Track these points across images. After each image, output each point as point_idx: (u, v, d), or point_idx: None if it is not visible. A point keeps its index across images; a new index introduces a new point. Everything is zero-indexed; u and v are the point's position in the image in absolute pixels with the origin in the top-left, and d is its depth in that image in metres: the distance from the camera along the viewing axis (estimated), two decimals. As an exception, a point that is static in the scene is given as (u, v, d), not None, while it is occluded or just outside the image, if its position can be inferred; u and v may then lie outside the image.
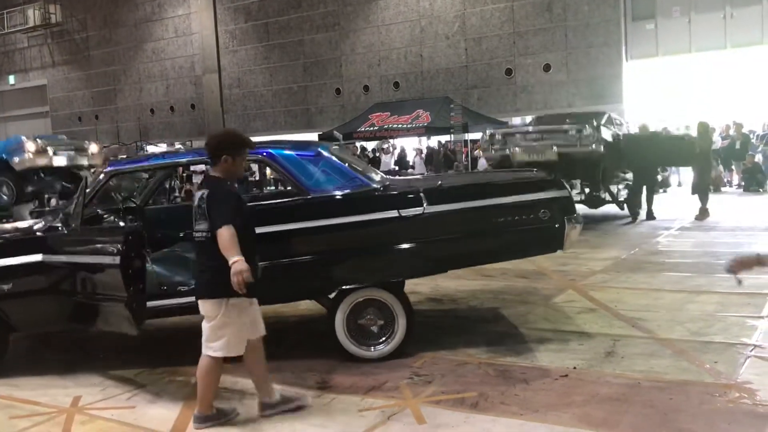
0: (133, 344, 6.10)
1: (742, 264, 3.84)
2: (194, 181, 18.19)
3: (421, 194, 5.00)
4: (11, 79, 28.78)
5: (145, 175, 8.17)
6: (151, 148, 21.30)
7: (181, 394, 4.74)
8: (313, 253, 4.98)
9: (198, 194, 4.03)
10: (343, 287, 5.06)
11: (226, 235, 3.78)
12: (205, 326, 4.05)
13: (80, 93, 27.68)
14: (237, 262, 3.74)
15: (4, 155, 10.66)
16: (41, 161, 10.70)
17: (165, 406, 4.49)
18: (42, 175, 11.08)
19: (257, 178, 18.34)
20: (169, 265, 5.65)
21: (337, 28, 22.17)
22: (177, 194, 16.96)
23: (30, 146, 10.62)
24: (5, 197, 11.03)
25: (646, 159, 12.31)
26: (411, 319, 5.06)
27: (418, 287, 7.08)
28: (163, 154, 6.48)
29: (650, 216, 12.39)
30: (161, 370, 5.21)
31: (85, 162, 11.45)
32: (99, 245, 4.87)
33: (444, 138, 19.77)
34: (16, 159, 10.55)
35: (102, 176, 5.45)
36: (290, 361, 5.22)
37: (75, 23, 26.79)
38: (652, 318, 5.84)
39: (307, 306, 6.60)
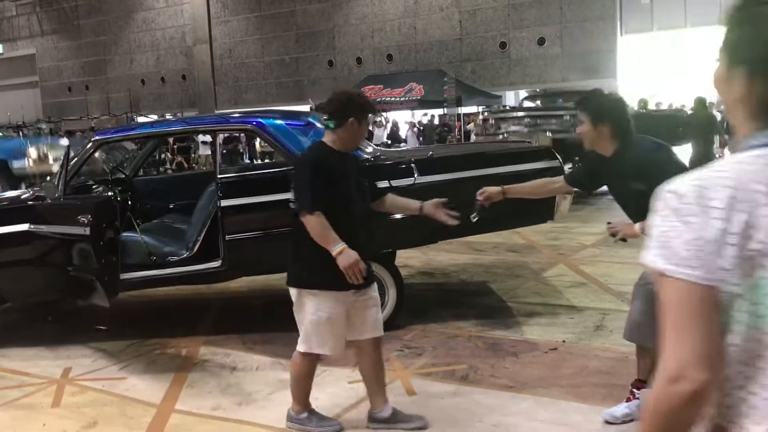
0: (125, 316, 6.09)
1: (489, 196, 3.74)
2: (200, 152, 17.99)
3: (413, 165, 4.97)
4: (0, 48, 28.42)
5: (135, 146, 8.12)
6: (141, 120, 21.12)
7: (172, 365, 4.75)
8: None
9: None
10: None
11: (310, 223, 3.28)
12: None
13: (70, 63, 27.36)
14: (341, 252, 3.23)
15: (3, 156, 10.57)
16: (40, 169, 10.63)
17: (156, 378, 4.49)
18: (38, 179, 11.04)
19: (242, 149, 18.21)
20: (158, 235, 5.62)
21: (329, -2, 21.95)
22: (168, 166, 16.89)
23: (32, 153, 10.55)
24: None
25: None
26: (401, 291, 5.06)
27: (410, 260, 7.09)
28: (152, 123, 6.42)
29: None
30: (153, 342, 5.21)
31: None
32: (72, 216, 4.80)
33: (437, 111, 19.69)
34: (16, 164, 10.49)
35: (90, 145, 5.39)
36: (280, 333, 5.21)
37: (64, -9, 26.40)
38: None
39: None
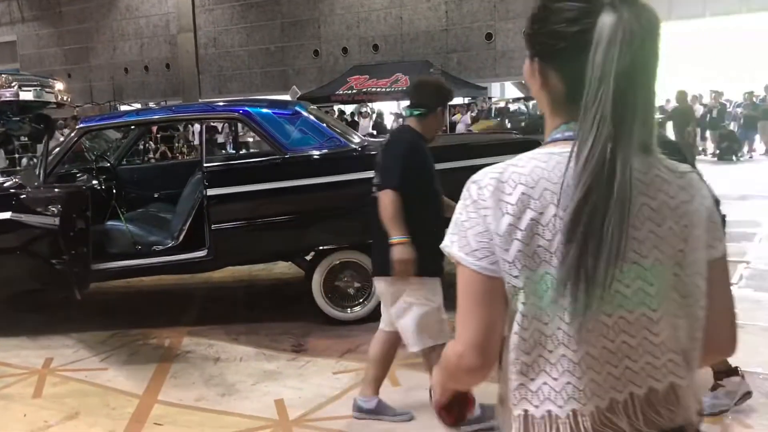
0: (108, 305, 6.04)
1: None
2: (219, 139, 17.69)
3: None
4: (-21, 34, 27.98)
5: (119, 134, 8.04)
6: (125, 108, 20.91)
7: (155, 356, 4.71)
8: (290, 214, 4.92)
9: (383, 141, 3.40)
10: (321, 248, 5.03)
11: (385, 201, 3.16)
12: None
13: (51, 50, 27.02)
14: (399, 245, 3.12)
15: None
16: (7, 94, 10.34)
17: (139, 369, 4.45)
18: (10, 115, 10.75)
19: (225, 139, 18.08)
20: (143, 224, 5.57)
21: (315, -13, 21.82)
22: (152, 155, 16.74)
23: None
24: None
25: None
26: (387, 282, 5.04)
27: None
28: (137, 112, 6.35)
29: None
30: (135, 332, 5.17)
31: (51, 99, 11.09)
32: (44, 206, 4.74)
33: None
34: None
35: (74, 133, 5.32)
36: (265, 323, 5.20)
37: (45, -23, 26.04)
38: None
39: (281, 270, 6.56)
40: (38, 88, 10.99)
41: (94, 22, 25.68)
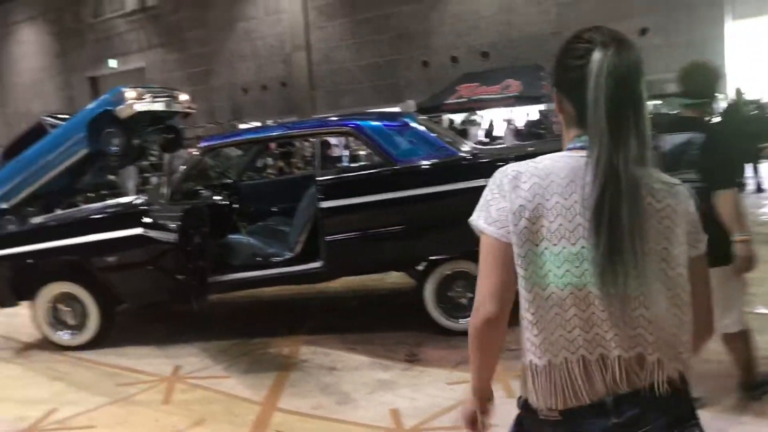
0: (230, 315, 6.31)
1: None
2: (335, 152, 18.26)
3: (513, 161, 4.86)
4: (113, 63, 30.08)
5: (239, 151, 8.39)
6: (243, 127, 21.80)
7: (274, 364, 4.86)
8: (401, 224, 4.95)
9: (682, 138, 3.25)
10: (432, 258, 5.03)
11: (728, 200, 3.12)
12: None
13: (176, 74, 28.62)
14: (743, 243, 3.11)
15: (107, 107, 11.06)
16: (142, 106, 11.03)
17: (259, 377, 4.61)
18: (145, 125, 11.47)
19: (344, 153, 18.44)
20: (263, 237, 5.79)
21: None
22: (270, 171, 17.36)
23: (130, 93, 10.97)
24: (115, 148, 11.48)
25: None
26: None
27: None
28: (254, 129, 6.62)
29: (759, 188, 11.86)
30: (256, 341, 5.35)
31: (179, 108, 11.74)
32: (165, 222, 5.03)
33: (536, 108, 19.29)
34: (120, 107, 10.92)
35: (197, 152, 5.60)
36: (378, 333, 5.25)
37: (169, 6, 27.62)
38: (764, 292, 5.50)
39: (394, 279, 6.61)
40: (169, 99, 11.73)
41: (215, 45, 26.99)
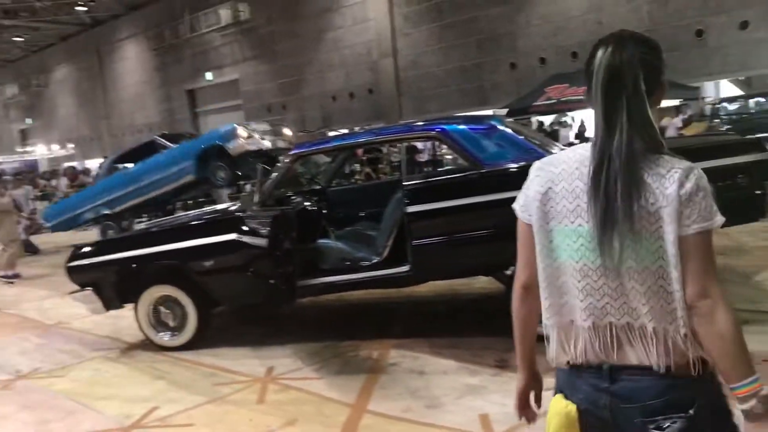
0: (321, 318, 6.43)
1: None
2: (422, 157, 18.43)
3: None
4: (209, 75, 31.27)
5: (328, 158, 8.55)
6: (332, 134, 22.18)
7: (364, 367, 4.92)
8: (488, 228, 4.91)
9: None
10: (520, 263, 4.96)
11: None
12: None
13: (269, 85, 29.44)
14: None
15: (219, 142, 11.64)
16: (251, 146, 11.53)
17: (349, 379, 4.68)
18: (249, 159, 11.98)
19: (429, 157, 18.46)
20: (351, 242, 5.88)
21: (511, 1, 21.67)
22: (357, 177, 17.59)
23: (242, 132, 11.50)
24: (222, 181, 12.07)
25: None
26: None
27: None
28: (343, 136, 6.73)
29: None
30: (346, 344, 5.44)
31: (282, 144, 12.19)
32: (259, 228, 5.18)
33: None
34: (231, 145, 11.48)
35: (287, 159, 5.75)
36: (466, 338, 5.23)
37: (262, 19, 28.47)
38: None
39: (482, 284, 6.56)
40: (275, 138, 12.25)
41: (305, 56, 27.60)
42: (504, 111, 18.39)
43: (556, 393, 1.68)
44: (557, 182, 1.57)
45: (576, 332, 1.57)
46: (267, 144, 11.88)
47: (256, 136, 11.71)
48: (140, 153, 13.11)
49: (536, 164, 1.68)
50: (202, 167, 11.76)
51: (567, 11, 20.62)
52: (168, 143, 12.72)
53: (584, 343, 1.56)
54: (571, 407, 1.59)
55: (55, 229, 14.51)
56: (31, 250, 14.22)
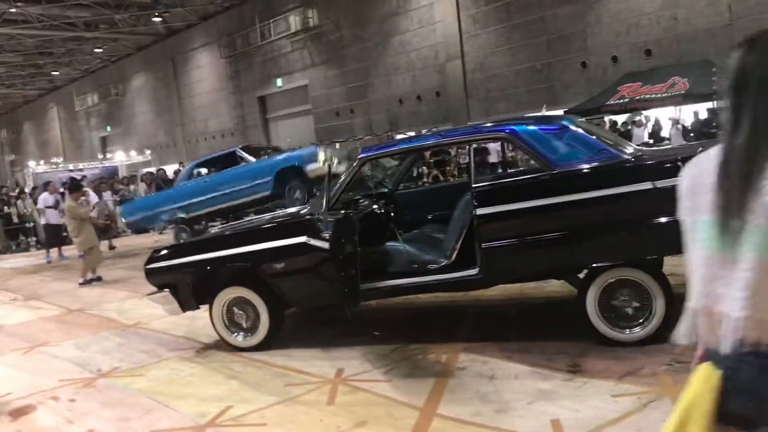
0: (390, 321, 6.45)
1: None
2: (491, 159, 18.42)
3: (680, 163, 4.57)
4: (279, 82, 31.83)
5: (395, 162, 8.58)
6: (400, 137, 22.22)
7: (433, 370, 4.90)
8: (560, 230, 4.82)
9: None
10: (594, 266, 4.85)
11: None
12: None
13: (337, 90, 29.76)
14: None
15: (298, 163, 12.03)
16: (325, 170, 11.82)
17: (419, 382, 4.67)
18: (319, 186, 12.27)
19: (499, 159, 18.25)
20: (419, 245, 5.86)
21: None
22: (425, 179, 17.58)
23: (321, 156, 11.84)
24: (298, 201, 12.42)
25: None
26: (670, 301, 4.69)
27: (678, 268, 6.55)
28: (410, 139, 6.73)
29: None
30: (415, 347, 5.43)
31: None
32: (325, 231, 5.22)
33: (706, 106, 18.04)
34: (310, 167, 11.86)
35: (355, 163, 5.79)
36: (538, 342, 5.15)
37: (330, 25, 28.83)
38: None
39: (553, 288, 6.44)
40: (349, 162, 12.50)
41: (372, 60, 27.78)
42: (561, 110, 18.01)
43: (699, 363, 1.69)
44: (699, 179, 1.65)
45: (700, 319, 1.64)
46: (340, 169, 12.14)
47: (335, 161, 11.98)
48: (220, 162, 13.60)
49: (687, 164, 1.76)
50: (279, 185, 12.11)
51: (640, 8, 20.07)
52: (249, 156, 13.15)
53: (705, 329, 1.63)
54: (714, 373, 1.61)
55: (130, 225, 15.15)
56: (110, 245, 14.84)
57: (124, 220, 15.10)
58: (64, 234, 13.17)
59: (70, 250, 14.36)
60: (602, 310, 4.84)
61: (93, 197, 15.16)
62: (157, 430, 4.34)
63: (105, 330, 7.40)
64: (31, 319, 8.60)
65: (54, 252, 15.45)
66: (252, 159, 13.13)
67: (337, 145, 13.14)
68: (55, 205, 15.17)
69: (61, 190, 16.42)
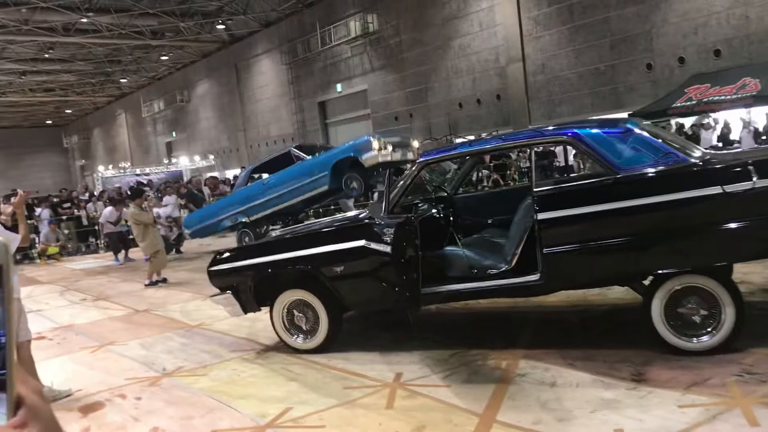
0: (449, 326, 6.41)
1: None
2: (557, 162, 18.20)
3: (750, 167, 4.41)
4: (338, 87, 32.14)
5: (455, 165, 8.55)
6: (459, 141, 22.12)
7: (493, 376, 4.85)
8: (625, 236, 4.71)
9: None
10: (660, 272, 4.71)
11: None
12: None
13: (396, 94, 29.84)
14: None
15: (353, 153, 12.02)
16: (384, 158, 11.82)
17: (478, 388, 4.62)
18: (380, 169, 12.29)
19: (562, 163, 17.96)
20: (478, 249, 5.82)
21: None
22: (485, 183, 17.45)
23: (375, 144, 11.82)
24: (355, 191, 12.46)
25: None
26: (740, 309, 4.52)
27: (749, 276, 6.32)
28: (470, 143, 6.69)
29: None
30: (474, 353, 5.38)
31: (410, 156, 12.40)
32: (381, 235, 5.22)
33: (778, 107, 17.35)
34: (365, 156, 11.84)
35: (415, 167, 5.79)
36: (601, 350, 5.03)
37: (389, 29, 28.94)
38: None
39: (617, 295, 6.29)
40: (405, 149, 12.53)
41: (431, 63, 27.75)
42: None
43: None
44: None
45: None
46: (397, 156, 12.10)
47: (389, 148, 11.96)
48: (277, 164, 13.74)
49: None
50: (336, 178, 12.14)
51: (709, 6, 19.47)
52: (303, 154, 13.24)
53: None
54: None
55: (194, 235, 15.48)
56: (177, 250, 15.24)
57: (187, 232, 15.44)
58: (131, 237, 13.58)
59: (135, 253, 14.81)
60: (668, 318, 4.70)
61: (169, 200, 15.65)
62: (219, 430, 4.42)
63: (169, 330, 7.59)
64: (100, 318, 8.89)
65: (121, 255, 16.16)
66: (307, 156, 13.22)
67: (387, 136, 13.07)
68: (115, 222, 15.95)
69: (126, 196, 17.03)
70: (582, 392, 4.31)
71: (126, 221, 14.08)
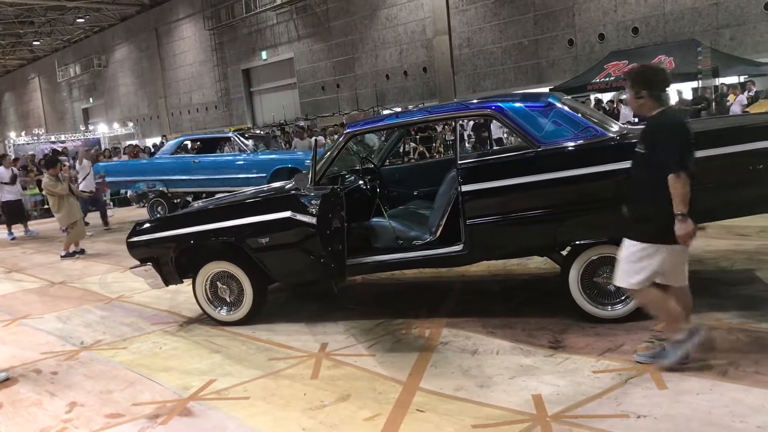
0: (374, 296, 6.47)
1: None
2: (484, 135, 18.37)
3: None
4: (264, 54, 31.54)
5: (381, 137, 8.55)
6: (386, 112, 22.13)
7: (416, 345, 4.93)
8: (544, 208, 4.85)
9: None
10: (577, 243, 4.88)
11: (681, 183, 3.62)
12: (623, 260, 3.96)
13: (323, 64, 29.54)
14: (686, 219, 3.62)
15: (292, 166, 12.09)
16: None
17: (402, 357, 4.70)
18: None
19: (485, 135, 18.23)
20: (404, 221, 5.87)
21: (569, -24, 21.15)
22: (411, 155, 17.55)
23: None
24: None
25: None
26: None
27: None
28: (396, 115, 6.70)
29: None
30: (399, 322, 5.46)
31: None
32: (310, 206, 5.21)
33: (691, 85, 18.12)
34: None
35: (341, 138, 5.76)
36: (520, 318, 5.19)
37: (316, -3, 28.53)
38: None
39: (536, 264, 6.49)
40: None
41: (358, 33, 27.57)
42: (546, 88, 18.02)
43: None
44: None
45: None
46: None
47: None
48: (214, 144, 13.63)
49: None
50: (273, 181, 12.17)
51: (628, -15, 20.02)
52: (245, 143, 13.18)
53: None
54: None
55: (110, 185, 15.26)
56: (104, 219, 14.51)
57: (101, 171, 14.81)
58: (46, 207, 12.96)
59: (42, 225, 14.18)
60: (585, 287, 4.88)
61: (86, 164, 14.73)
62: (140, 402, 4.35)
63: (87, 303, 7.37)
64: (13, 291, 8.54)
65: (17, 228, 14.51)
66: (248, 146, 13.19)
67: (323, 140, 13.10)
68: (12, 181, 14.25)
69: (22, 164, 16.11)
70: (502, 359, 4.44)
71: (26, 188, 13.36)
